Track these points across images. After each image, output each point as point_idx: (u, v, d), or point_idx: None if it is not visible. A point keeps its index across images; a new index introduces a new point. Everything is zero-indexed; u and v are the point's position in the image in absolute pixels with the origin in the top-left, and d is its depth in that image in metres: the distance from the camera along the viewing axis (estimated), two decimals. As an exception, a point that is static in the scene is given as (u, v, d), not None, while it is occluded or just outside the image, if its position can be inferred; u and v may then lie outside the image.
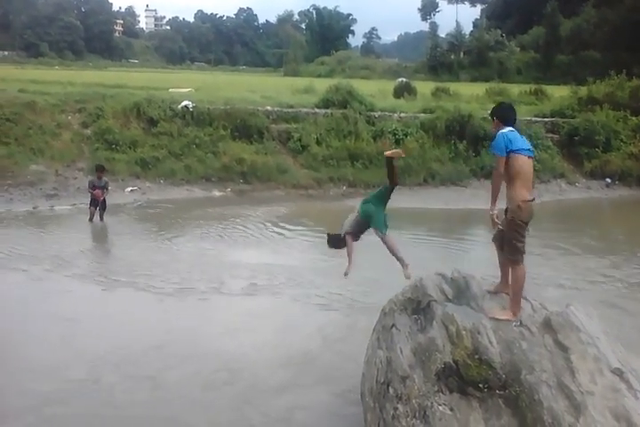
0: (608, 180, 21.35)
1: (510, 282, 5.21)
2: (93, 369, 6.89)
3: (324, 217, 16.13)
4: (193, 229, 13.86)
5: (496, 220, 5.20)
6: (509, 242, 5.15)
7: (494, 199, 5.21)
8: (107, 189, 14.05)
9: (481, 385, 4.43)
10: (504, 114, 5.43)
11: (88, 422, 5.92)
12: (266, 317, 8.74)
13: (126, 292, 9.53)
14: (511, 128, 5.23)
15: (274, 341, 7.85)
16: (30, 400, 6.17)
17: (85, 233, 13.51)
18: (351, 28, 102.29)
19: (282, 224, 14.42)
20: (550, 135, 22.25)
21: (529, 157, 5.16)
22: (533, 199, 5.15)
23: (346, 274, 7.17)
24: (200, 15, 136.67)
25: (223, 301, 9.31)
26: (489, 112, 5.78)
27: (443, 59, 59.29)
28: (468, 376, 4.49)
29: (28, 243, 12.11)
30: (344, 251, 7.12)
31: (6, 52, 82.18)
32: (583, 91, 25.09)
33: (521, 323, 4.87)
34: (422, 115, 22.14)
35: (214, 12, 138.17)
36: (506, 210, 5.16)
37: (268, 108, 21.17)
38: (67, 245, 12.07)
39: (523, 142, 5.18)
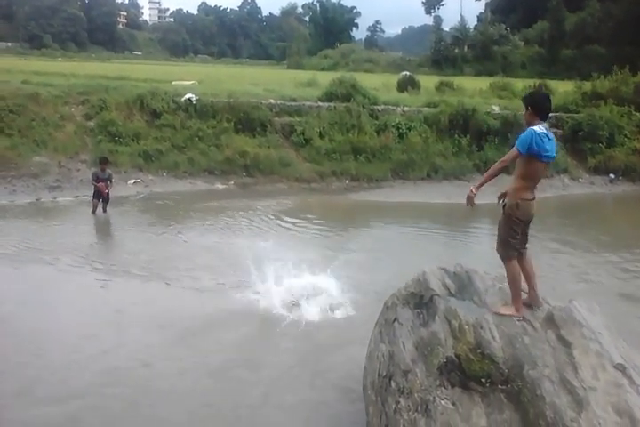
0: (612, 175, 21.32)
1: (507, 278, 5.13)
2: (145, 355, 7.25)
3: (330, 210, 16.24)
4: (200, 222, 13.84)
5: (472, 201, 5.02)
6: (503, 238, 5.08)
7: (484, 182, 4.95)
8: (110, 181, 14.05)
9: (483, 380, 4.43)
10: (540, 105, 5.00)
11: (136, 401, 6.33)
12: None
13: (160, 285, 9.59)
14: (545, 125, 4.90)
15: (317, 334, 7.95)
16: (90, 382, 6.56)
17: (94, 225, 13.60)
18: (355, 21, 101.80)
19: (290, 218, 14.42)
20: (554, 130, 22.02)
21: (549, 162, 4.94)
22: (534, 198, 5.00)
23: None
24: (204, 7, 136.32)
25: (256, 291, 9.25)
26: (522, 98, 5.33)
27: (447, 53, 59.09)
28: (470, 371, 4.49)
29: (38, 236, 12.10)
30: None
31: (9, 44, 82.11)
32: (587, 86, 25.02)
33: (524, 318, 4.88)
34: (426, 109, 22.08)
35: (218, 5, 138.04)
36: (504, 205, 5.03)
37: (272, 101, 21.13)
38: (78, 238, 12.11)
39: (550, 146, 4.86)
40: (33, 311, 8.35)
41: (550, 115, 16.50)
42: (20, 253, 10.93)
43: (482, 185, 5.00)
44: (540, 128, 4.86)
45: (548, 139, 4.87)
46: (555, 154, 4.96)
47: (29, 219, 13.64)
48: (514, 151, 4.87)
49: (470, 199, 5.03)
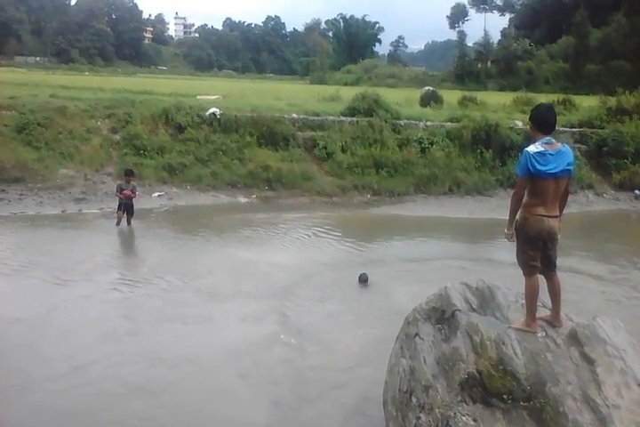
0: (637, 191, 21.06)
1: (524, 293, 5.11)
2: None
3: (361, 224, 16.37)
4: (224, 235, 13.91)
5: (511, 239, 5.09)
6: (517, 253, 5.10)
7: (511, 220, 5.01)
8: (134, 192, 14.16)
9: (505, 396, 4.40)
10: (540, 118, 4.92)
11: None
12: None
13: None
14: (546, 140, 4.81)
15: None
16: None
17: (137, 240, 13.71)
18: (378, 36, 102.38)
19: (324, 230, 14.48)
20: (578, 146, 21.97)
21: (556, 178, 4.78)
22: (550, 216, 4.86)
23: None
24: (228, 23, 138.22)
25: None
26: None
27: (470, 68, 59.25)
28: (491, 387, 4.47)
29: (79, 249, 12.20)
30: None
31: (38, 58, 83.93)
32: (612, 101, 24.80)
33: (546, 334, 4.84)
34: (448, 123, 22.06)
35: (242, 20, 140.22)
36: (516, 220, 5.00)
37: (295, 115, 21.26)
38: (133, 255, 12.55)
39: (553, 162, 4.74)
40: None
41: (575, 130, 16.40)
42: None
43: (511, 223, 5.04)
44: (536, 147, 4.79)
45: (551, 155, 4.76)
46: (564, 167, 4.79)
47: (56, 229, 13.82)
48: (518, 179, 4.94)
49: (508, 237, 5.11)
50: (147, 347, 7.68)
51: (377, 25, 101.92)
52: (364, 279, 10.26)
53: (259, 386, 6.85)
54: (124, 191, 13.81)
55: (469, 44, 68.76)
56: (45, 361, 7.17)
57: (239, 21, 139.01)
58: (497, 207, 17.29)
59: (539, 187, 4.81)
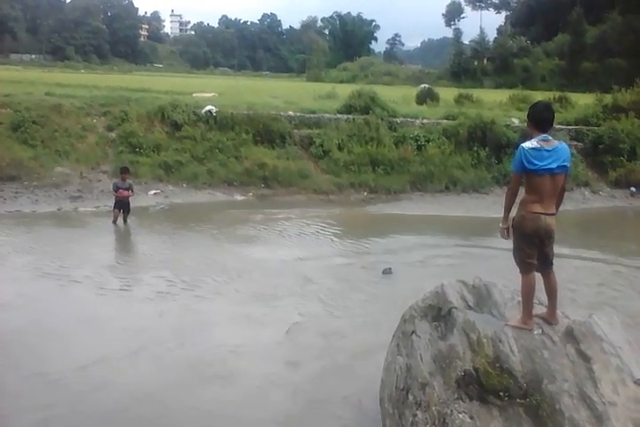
0: (633, 189, 21.10)
1: (520, 290, 5.12)
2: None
3: (361, 222, 16.38)
4: (217, 231, 13.89)
5: (505, 234, 5.08)
6: (513, 251, 5.10)
7: (506, 216, 5.04)
8: (131, 190, 14.13)
9: (501, 394, 4.41)
10: (538, 116, 4.92)
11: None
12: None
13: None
14: (543, 137, 4.82)
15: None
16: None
17: (142, 239, 13.56)
18: (374, 34, 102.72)
19: (326, 228, 14.48)
20: (574, 143, 21.96)
21: (553, 174, 4.79)
22: (547, 213, 4.86)
23: None
24: (224, 20, 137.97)
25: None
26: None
27: (466, 65, 59.28)
28: (488, 384, 4.47)
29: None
30: None
31: (33, 56, 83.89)
32: (608, 99, 24.81)
33: (543, 331, 4.85)
34: (445, 121, 22.05)
35: (238, 18, 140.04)
36: (513, 218, 5.01)
37: (291, 113, 21.24)
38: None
39: (548, 159, 4.75)
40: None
41: (570, 128, 16.38)
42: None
43: (506, 218, 5.06)
44: (532, 143, 4.81)
45: (547, 151, 4.77)
46: (560, 164, 4.80)
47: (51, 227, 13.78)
48: (512, 175, 4.97)
49: (503, 233, 5.11)
50: (214, 340, 7.89)
51: (373, 23, 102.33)
52: (387, 271, 10.92)
53: (302, 377, 6.99)
54: (121, 191, 13.77)
55: (465, 41, 68.83)
56: (128, 354, 7.37)
57: (235, 19, 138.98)
58: (493, 205, 17.28)
59: (535, 183, 4.82)
